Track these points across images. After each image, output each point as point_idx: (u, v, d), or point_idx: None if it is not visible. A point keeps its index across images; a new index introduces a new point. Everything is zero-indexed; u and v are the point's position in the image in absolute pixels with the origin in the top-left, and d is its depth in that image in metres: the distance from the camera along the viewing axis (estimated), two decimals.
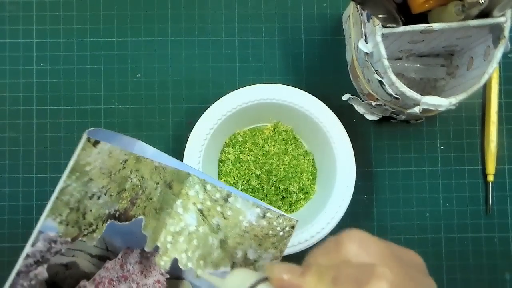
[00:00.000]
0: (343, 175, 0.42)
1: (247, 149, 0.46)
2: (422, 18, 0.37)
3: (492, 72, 0.37)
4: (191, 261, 0.37)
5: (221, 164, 0.46)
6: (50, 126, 0.47)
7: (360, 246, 0.23)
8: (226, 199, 0.38)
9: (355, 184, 0.42)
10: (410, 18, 0.37)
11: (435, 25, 0.36)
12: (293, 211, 0.46)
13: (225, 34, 0.49)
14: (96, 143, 0.34)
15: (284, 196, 0.45)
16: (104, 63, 0.48)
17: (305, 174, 0.46)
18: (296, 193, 0.45)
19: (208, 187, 0.38)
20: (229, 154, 0.46)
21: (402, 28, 0.37)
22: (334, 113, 0.43)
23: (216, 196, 0.38)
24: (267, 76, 0.49)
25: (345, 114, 0.46)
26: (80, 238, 0.34)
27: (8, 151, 0.47)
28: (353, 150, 0.43)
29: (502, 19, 0.36)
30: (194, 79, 0.48)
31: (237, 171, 0.46)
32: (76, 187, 0.33)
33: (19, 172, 0.47)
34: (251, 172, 0.45)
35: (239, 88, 0.43)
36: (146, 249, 0.37)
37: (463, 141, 0.49)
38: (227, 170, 0.46)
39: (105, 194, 0.35)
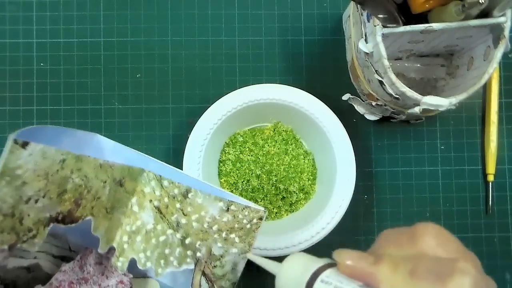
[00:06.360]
0: (343, 175, 0.42)
1: (247, 149, 0.46)
2: (422, 18, 0.37)
3: (492, 72, 0.37)
4: (150, 260, 0.35)
5: (221, 164, 0.46)
6: None
7: (438, 240, 0.23)
8: (185, 195, 0.36)
9: (355, 184, 0.42)
10: (410, 18, 0.37)
11: (435, 25, 0.36)
12: (293, 211, 0.46)
13: (225, 34, 0.49)
14: (25, 144, 0.31)
15: (284, 196, 0.45)
16: (104, 63, 0.48)
17: (305, 174, 0.46)
18: (296, 193, 0.45)
19: (165, 183, 0.36)
20: (229, 154, 0.46)
21: (402, 28, 0.37)
22: (334, 113, 0.43)
23: (174, 192, 0.36)
24: (267, 76, 0.48)
25: (345, 114, 0.46)
26: (19, 245, 0.32)
27: None
28: (353, 150, 0.43)
29: (502, 19, 0.36)
30: (194, 79, 0.48)
31: (237, 171, 0.46)
32: (8, 192, 0.31)
33: None
34: (251, 172, 0.45)
35: (239, 88, 0.43)
36: (100, 251, 0.35)
37: (463, 141, 0.49)
38: (227, 170, 0.46)
39: (43, 197, 0.33)
